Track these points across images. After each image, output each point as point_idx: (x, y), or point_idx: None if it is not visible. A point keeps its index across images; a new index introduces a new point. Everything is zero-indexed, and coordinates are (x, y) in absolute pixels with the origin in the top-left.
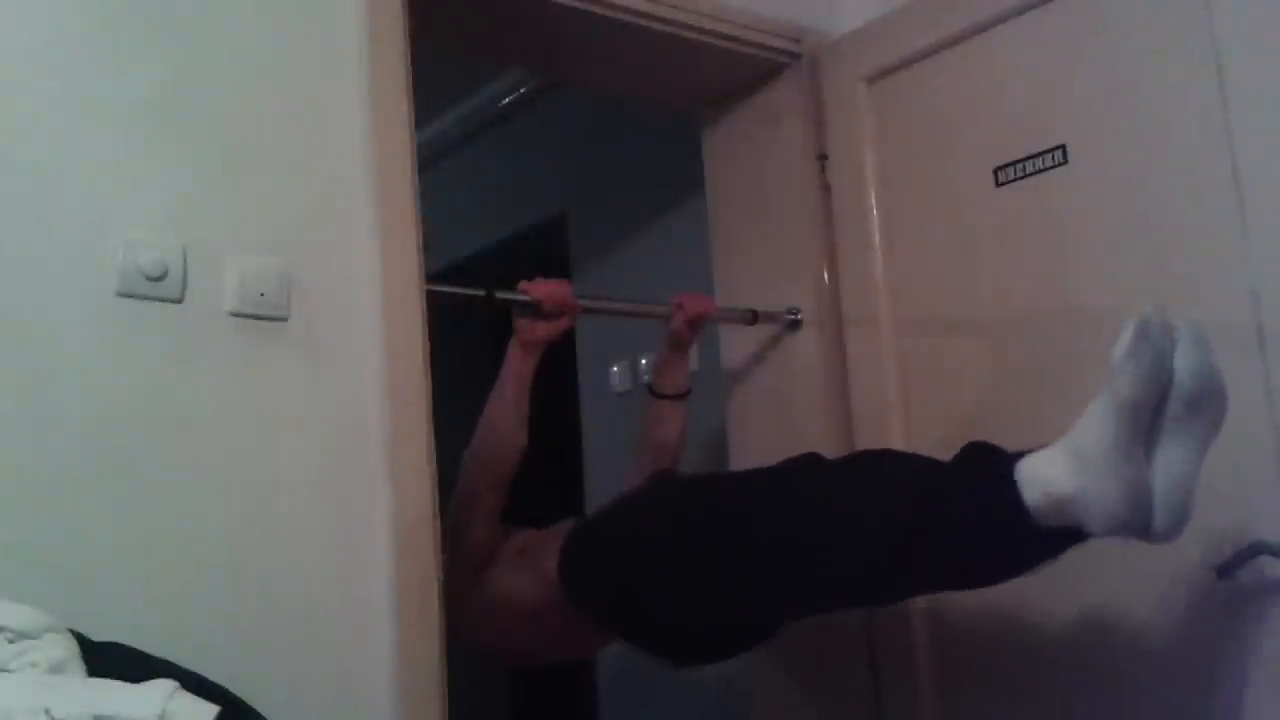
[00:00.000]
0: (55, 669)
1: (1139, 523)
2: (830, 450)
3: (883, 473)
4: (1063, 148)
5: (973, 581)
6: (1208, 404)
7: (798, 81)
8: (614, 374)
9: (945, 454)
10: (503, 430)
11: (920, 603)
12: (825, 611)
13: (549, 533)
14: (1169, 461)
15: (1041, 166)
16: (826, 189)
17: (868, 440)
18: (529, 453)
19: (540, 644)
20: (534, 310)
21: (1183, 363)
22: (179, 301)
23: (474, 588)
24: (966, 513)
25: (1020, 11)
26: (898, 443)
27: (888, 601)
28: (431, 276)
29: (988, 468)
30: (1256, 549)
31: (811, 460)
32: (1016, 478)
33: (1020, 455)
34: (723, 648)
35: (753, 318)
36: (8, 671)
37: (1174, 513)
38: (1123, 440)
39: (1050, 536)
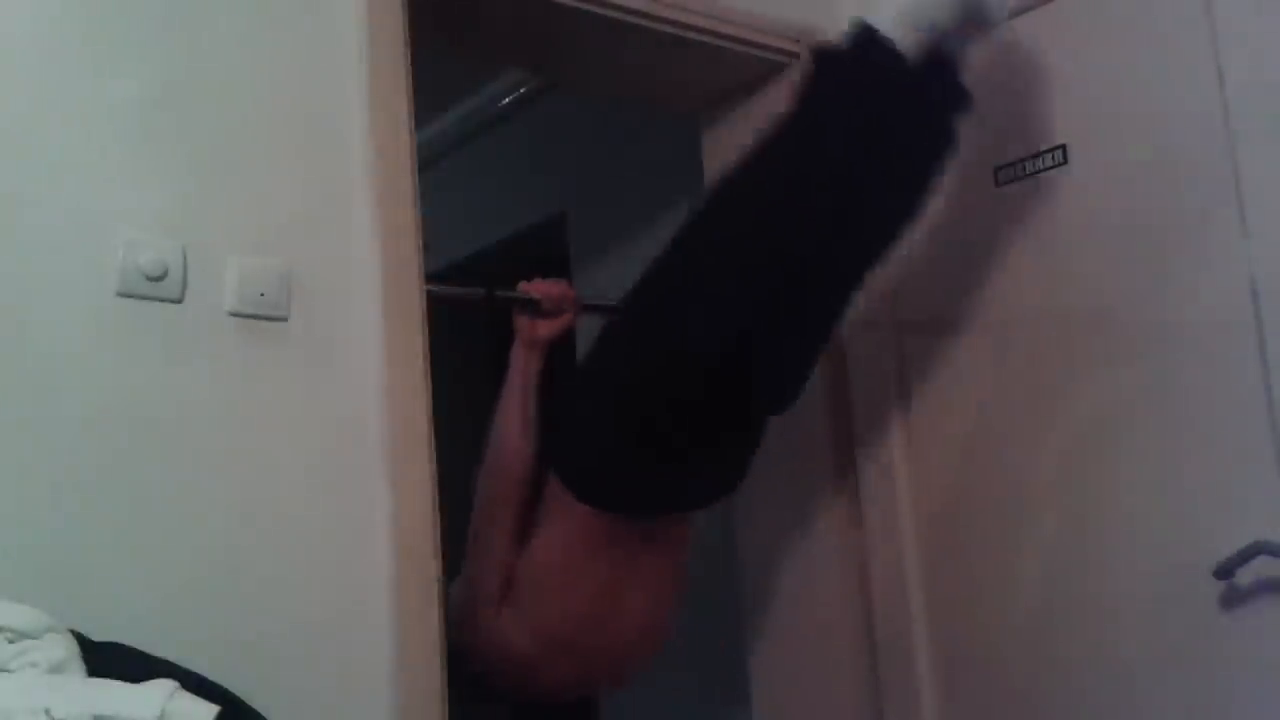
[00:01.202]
0: (55, 669)
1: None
2: (831, 453)
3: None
4: (1063, 148)
5: (894, 199)
6: None
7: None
8: None
9: (946, 458)
10: (508, 436)
11: (920, 603)
12: (819, 286)
13: (550, 494)
14: None
15: (1041, 166)
16: None
17: (869, 440)
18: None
19: (597, 596)
20: (534, 308)
21: None
22: (179, 301)
23: (502, 610)
24: (846, 82)
25: (1020, 12)
26: (899, 443)
27: (872, 242)
28: (431, 276)
29: (856, 41)
30: (1256, 549)
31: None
32: (870, 27)
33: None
34: (714, 474)
35: None
36: (8, 671)
37: None
38: None
39: (926, 86)
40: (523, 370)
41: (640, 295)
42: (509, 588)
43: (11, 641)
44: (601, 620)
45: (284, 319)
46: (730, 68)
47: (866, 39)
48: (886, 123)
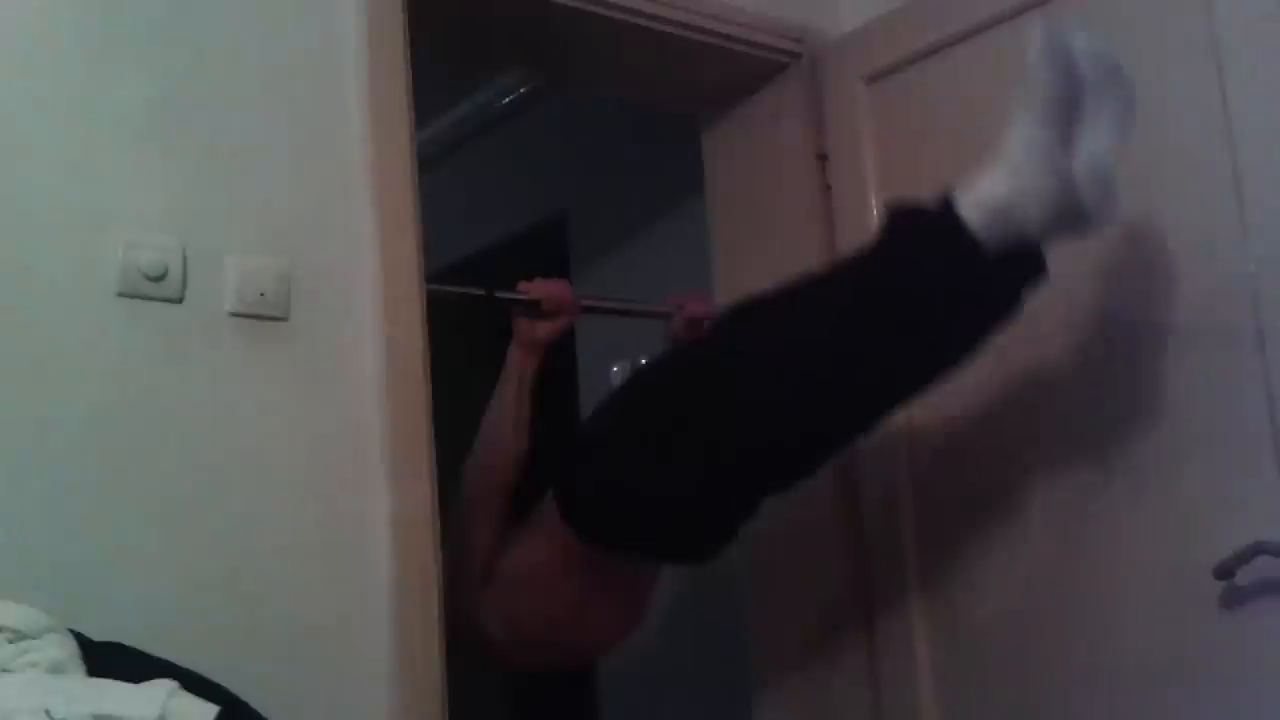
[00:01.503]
0: (55, 669)
1: (1071, 209)
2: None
3: (836, 270)
4: None
5: (942, 355)
6: (1110, 83)
7: (798, 81)
8: (614, 374)
9: (945, 461)
10: (502, 433)
11: (921, 602)
12: (817, 446)
13: (547, 499)
14: (1089, 144)
15: None
16: (826, 189)
17: (869, 441)
18: (529, 456)
19: (568, 615)
20: (533, 309)
21: (1081, 55)
22: (179, 301)
23: (486, 592)
24: (922, 260)
25: (1020, 11)
26: (899, 443)
27: (873, 409)
28: (431, 276)
29: (927, 214)
30: (1256, 549)
31: (764, 297)
32: (956, 208)
33: (950, 194)
34: (718, 530)
35: None
36: (8, 671)
37: (1098, 188)
38: (1045, 138)
39: (1000, 266)
40: (519, 370)
41: (694, 373)
42: (490, 575)
43: (11, 641)
44: (567, 629)
45: (284, 319)
46: (730, 68)
47: (943, 219)
48: (946, 297)
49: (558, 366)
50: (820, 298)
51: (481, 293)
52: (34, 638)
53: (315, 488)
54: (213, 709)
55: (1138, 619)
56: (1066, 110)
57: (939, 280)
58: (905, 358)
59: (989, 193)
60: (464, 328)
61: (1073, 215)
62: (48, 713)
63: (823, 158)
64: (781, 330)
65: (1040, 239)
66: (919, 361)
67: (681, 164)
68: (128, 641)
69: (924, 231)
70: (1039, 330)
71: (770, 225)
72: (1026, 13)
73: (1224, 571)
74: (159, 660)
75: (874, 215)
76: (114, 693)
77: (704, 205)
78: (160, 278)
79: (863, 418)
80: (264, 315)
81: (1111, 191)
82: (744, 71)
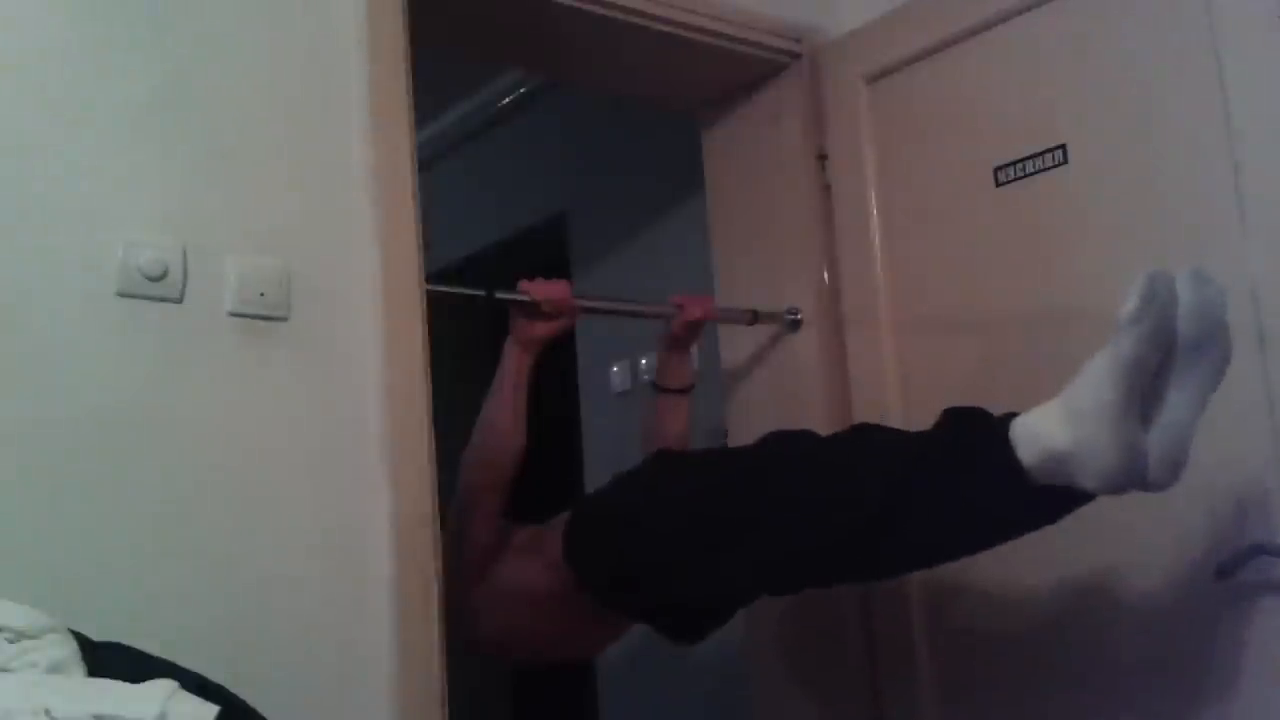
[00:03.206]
0: (55, 669)
1: (1133, 480)
2: None
3: (872, 443)
4: (1063, 148)
5: (967, 546)
6: (1207, 346)
7: (798, 81)
8: (614, 374)
9: None
10: (500, 430)
11: (920, 602)
12: (822, 583)
13: (552, 524)
14: (1171, 413)
15: (1041, 166)
16: (826, 189)
17: None
18: (528, 453)
19: (547, 637)
20: (533, 310)
21: (1184, 310)
22: (179, 301)
23: (478, 586)
24: (960, 473)
25: (1020, 11)
26: None
27: (884, 573)
28: (431, 276)
29: (979, 428)
30: (1256, 549)
31: (805, 433)
32: (1010, 436)
33: (1012, 415)
34: (720, 615)
35: (753, 318)
36: (8, 671)
37: (1171, 463)
38: (1120, 399)
39: (1045, 497)
40: (516, 369)
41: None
42: (485, 573)
43: (11, 641)
44: (541, 649)
45: (284, 319)
46: (730, 68)
47: (993, 439)
48: (976, 512)
49: (558, 366)
50: (847, 473)
51: (481, 293)
52: (34, 638)
53: (315, 488)
54: (213, 709)
55: (1138, 619)
56: (1153, 375)
57: (973, 496)
58: (920, 541)
59: (1047, 436)
60: (464, 328)
61: (1132, 483)
62: (48, 712)
63: (823, 158)
64: (808, 483)
65: (1093, 491)
66: (929, 546)
67: (681, 164)
68: (128, 642)
69: (970, 446)
70: (1039, 329)
71: (770, 225)
72: (1026, 12)
73: (1224, 571)
74: (159, 660)
75: (873, 215)
76: (114, 693)
77: (704, 205)
78: (160, 278)
79: (863, 573)
80: (264, 315)
81: (1183, 463)
82: (744, 71)
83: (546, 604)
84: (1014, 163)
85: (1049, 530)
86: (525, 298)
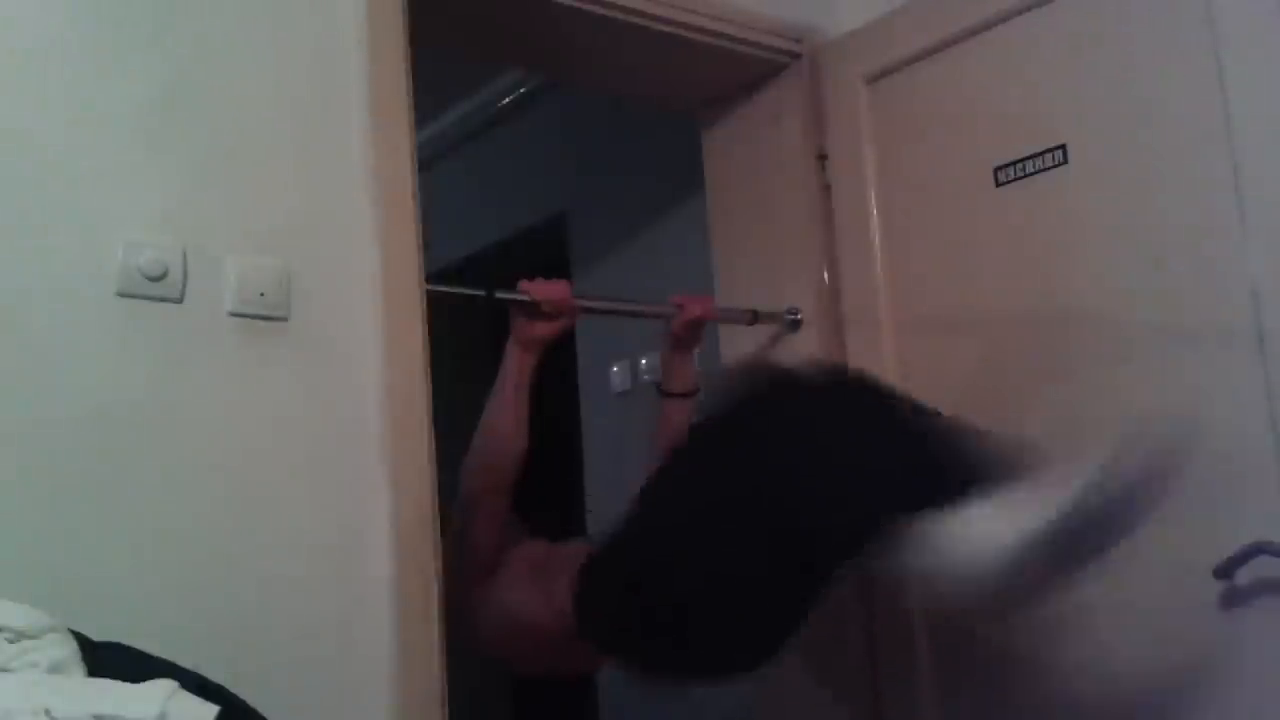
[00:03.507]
0: (55, 669)
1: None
2: None
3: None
4: (1063, 148)
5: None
6: (1120, 526)
7: (798, 81)
8: (614, 374)
9: None
10: (502, 432)
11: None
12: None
13: (563, 552)
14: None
15: (1041, 166)
16: (826, 189)
17: None
18: (529, 453)
19: (548, 662)
20: (533, 310)
21: (1119, 493)
22: (179, 302)
23: (479, 591)
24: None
25: (1020, 11)
26: None
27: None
28: (431, 276)
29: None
30: (1256, 549)
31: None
32: None
33: None
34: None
35: (753, 318)
36: (8, 671)
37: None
38: (1031, 550)
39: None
40: (517, 369)
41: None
42: (488, 580)
43: (11, 641)
44: (541, 669)
45: (284, 319)
46: (730, 68)
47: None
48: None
49: (558, 366)
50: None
51: (481, 293)
52: (34, 638)
53: (315, 487)
54: (213, 709)
55: (1138, 619)
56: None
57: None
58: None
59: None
60: (464, 328)
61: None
62: (48, 712)
63: (823, 157)
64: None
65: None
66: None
67: (681, 164)
68: (128, 642)
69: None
70: (1039, 329)
71: (770, 225)
72: (1027, 12)
73: (1224, 571)
74: (159, 660)
75: (873, 215)
76: (114, 693)
77: (704, 205)
78: (160, 278)
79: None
80: (264, 315)
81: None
82: (744, 71)
83: (541, 635)
84: (1014, 163)
85: None
86: (525, 298)
